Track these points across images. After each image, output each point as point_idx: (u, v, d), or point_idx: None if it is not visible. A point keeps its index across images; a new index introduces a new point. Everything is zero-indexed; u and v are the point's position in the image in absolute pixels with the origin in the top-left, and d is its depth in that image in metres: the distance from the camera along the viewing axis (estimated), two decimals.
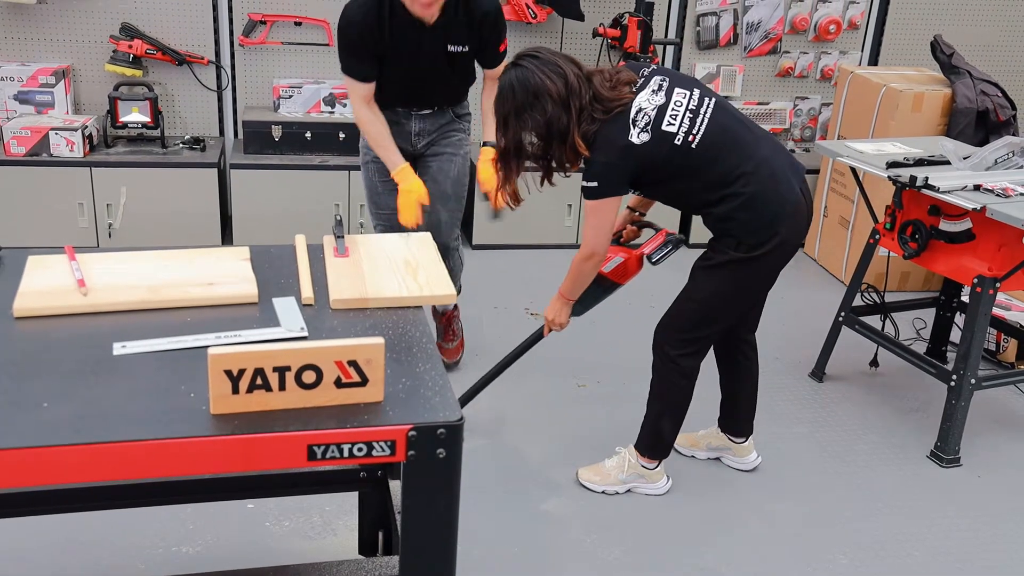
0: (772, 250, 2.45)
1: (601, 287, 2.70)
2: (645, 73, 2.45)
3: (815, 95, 5.12)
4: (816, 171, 4.77)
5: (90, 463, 1.32)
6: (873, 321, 3.51)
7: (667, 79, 2.43)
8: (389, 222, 3.13)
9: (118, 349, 1.56)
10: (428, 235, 2.10)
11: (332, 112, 4.48)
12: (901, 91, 4.14)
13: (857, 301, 3.51)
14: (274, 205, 4.23)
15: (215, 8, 4.36)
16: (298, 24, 4.43)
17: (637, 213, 2.80)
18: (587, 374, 3.50)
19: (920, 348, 3.69)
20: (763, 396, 2.99)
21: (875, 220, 3.34)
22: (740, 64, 4.95)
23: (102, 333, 1.61)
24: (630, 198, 2.77)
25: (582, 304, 2.72)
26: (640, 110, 2.36)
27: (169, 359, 1.55)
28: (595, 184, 2.40)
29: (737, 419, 2.90)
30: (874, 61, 5.12)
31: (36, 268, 1.81)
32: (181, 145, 4.37)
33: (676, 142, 2.37)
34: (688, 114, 2.39)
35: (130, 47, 4.26)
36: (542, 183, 2.56)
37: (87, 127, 4.17)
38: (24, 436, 1.32)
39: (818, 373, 3.58)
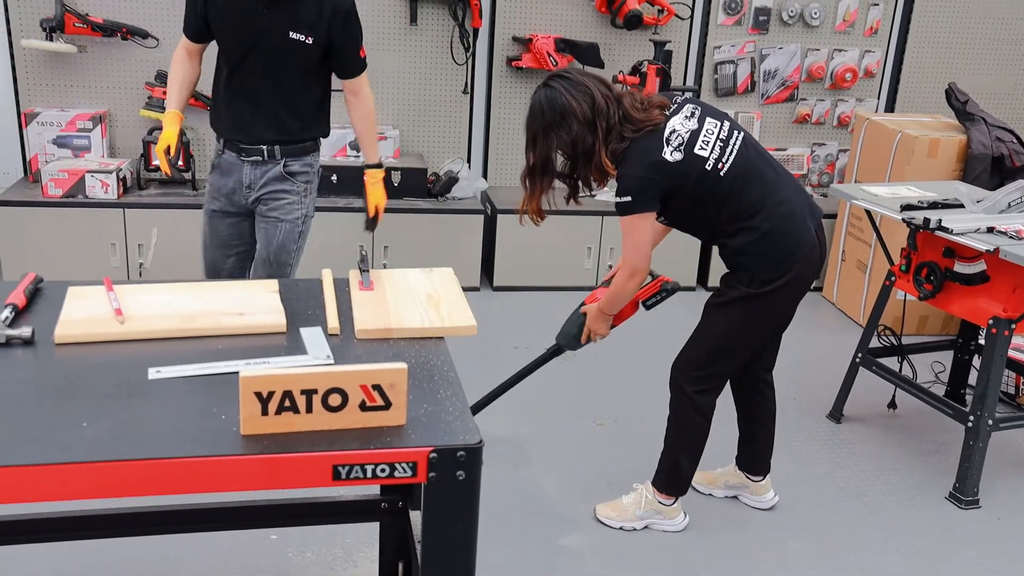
0: (784, 286, 2.50)
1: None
2: (678, 100, 2.52)
3: (832, 141, 5.19)
4: (833, 216, 4.83)
5: (126, 479, 1.38)
6: (891, 363, 3.53)
7: (699, 108, 2.50)
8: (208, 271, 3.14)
9: (153, 374, 1.64)
10: (450, 270, 2.17)
11: (357, 156, 4.60)
12: (917, 137, 4.20)
13: (875, 343, 3.55)
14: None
15: None
16: None
17: None
18: (606, 413, 3.54)
19: (938, 391, 3.70)
20: (781, 436, 3.01)
21: (891, 262, 3.38)
22: (758, 111, 5.04)
23: (138, 359, 1.69)
24: None
25: (575, 339, 2.79)
26: (674, 131, 2.42)
27: (201, 383, 1.62)
28: (628, 199, 2.43)
29: (755, 457, 2.92)
30: (890, 108, 5.20)
31: (76, 298, 1.89)
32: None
33: (707, 167, 2.42)
34: (719, 143, 2.45)
35: (164, 93, 4.39)
36: (568, 200, 2.62)
37: (121, 170, 4.30)
38: (66, 452, 1.39)
39: (836, 414, 3.60)
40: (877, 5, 4.98)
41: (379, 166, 3.10)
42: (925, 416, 3.62)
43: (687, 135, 2.42)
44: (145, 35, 4.34)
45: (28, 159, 4.40)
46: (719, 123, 2.48)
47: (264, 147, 2.90)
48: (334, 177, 4.48)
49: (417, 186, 4.57)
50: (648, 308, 2.73)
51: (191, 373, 1.65)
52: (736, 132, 2.50)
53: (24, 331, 1.73)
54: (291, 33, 2.73)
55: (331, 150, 4.58)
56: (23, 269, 2.46)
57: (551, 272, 4.66)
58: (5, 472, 1.34)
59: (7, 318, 1.78)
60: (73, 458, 1.37)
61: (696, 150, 2.42)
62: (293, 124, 2.90)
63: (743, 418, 2.90)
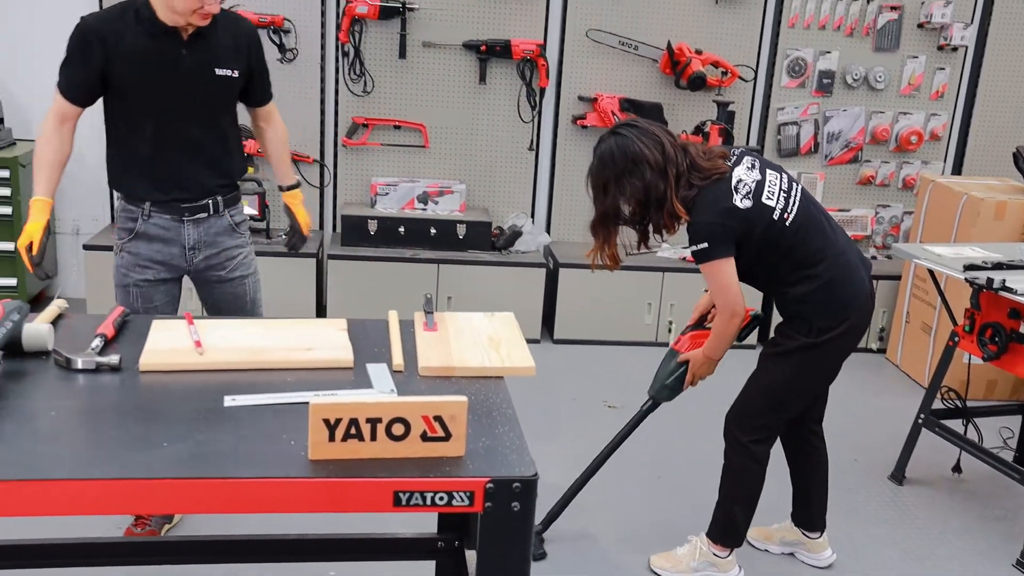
0: (840, 335, 2.52)
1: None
2: (736, 152, 2.58)
3: (897, 203, 5.17)
4: (897, 277, 4.80)
5: (201, 496, 1.47)
6: (956, 427, 3.48)
7: (757, 159, 2.56)
8: None
9: (228, 401, 1.73)
10: (511, 315, 2.25)
11: (425, 209, 4.74)
12: (983, 199, 4.18)
13: (938, 405, 3.50)
14: (367, 294, 4.46)
15: (323, 113, 4.72)
16: (397, 127, 4.74)
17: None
18: (663, 464, 3.55)
19: (1007, 456, 3.62)
20: (840, 496, 2.98)
21: (954, 323, 3.36)
22: (821, 171, 5.06)
23: (214, 387, 1.79)
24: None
25: (672, 390, 2.81)
26: (740, 180, 2.47)
27: (273, 411, 1.71)
28: (705, 245, 2.45)
29: (809, 512, 2.90)
30: (957, 171, 5.17)
31: (159, 330, 2.01)
32: (284, 236, 4.64)
33: (774, 217, 2.47)
34: (782, 193, 2.50)
35: (244, 146, 4.61)
36: (639, 247, 2.65)
37: None
38: (147, 469, 1.48)
39: (898, 476, 3.54)
40: (943, 69, 4.99)
41: (298, 185, 3.04)
42: (992, 481, 3.54)
43: (753, 185, 2.48)
44: None
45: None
46: (778, 175, 2.54)
47: (208, 200, 2.70)
48: (401, 229, 4.62)
49: (482, 239, 4.68)
50: (741, 341, 2.75)
51: (264, 402, 1.74)
52: (795, 184, 2.56)
53: (112, 359, 1.85)
54: (217, 70, 2.60)
55: (399, 203, 4.73)
56: (108, 307, 2.61)
57: (611, 326, 4.70)
58: (93, 484, 1.44)
59: (97, 346, 1.90)
60: (153, 474, 1.47)
61: (764, 199, 2.47)
62: (231, 167, 2.76)
63: (796, 472, 2.89)
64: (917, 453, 3.54)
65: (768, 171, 2.53)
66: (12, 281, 4.49)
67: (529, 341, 4.51)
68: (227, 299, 2.84)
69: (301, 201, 3.01)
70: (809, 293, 2.51)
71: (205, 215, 2.70)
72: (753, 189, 2.46)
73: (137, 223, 2.67)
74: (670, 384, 2.80)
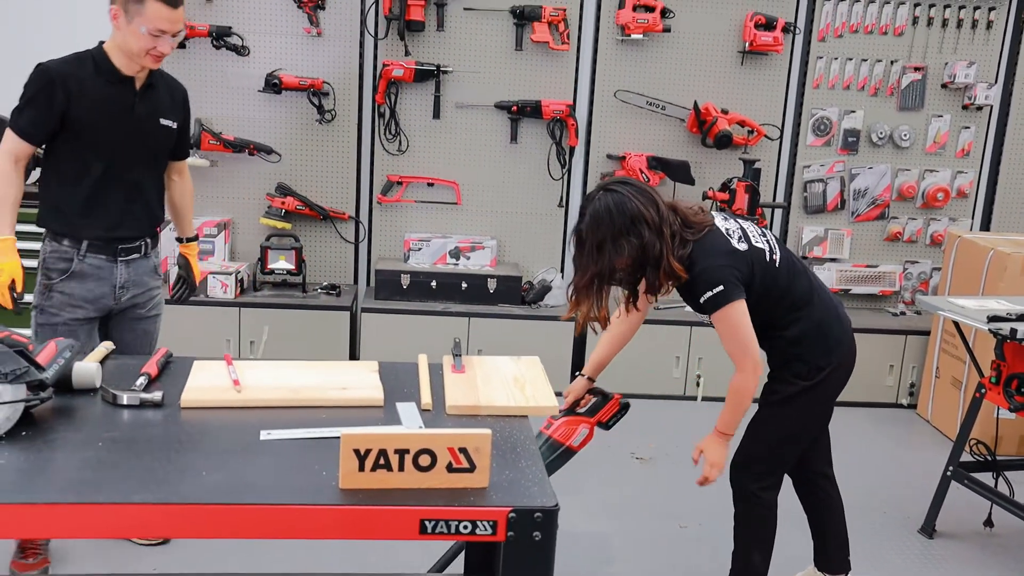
0: (834, 370, 2.60)
1: (565, 458, 2.68)
2: (704, 207, 2.62)
3: (925, 259, 5.20)
4: (927, 333, 4.80)
5: (238, 521, 1.55)
6: (987, 480, 3.46)
7: (727, 213, 2.64)
8: None
9: (264, 435, 1.82)
10: (536, 358, 2.33)
11: (456, 264, 4.85)
12: (1009, 254, 4.21)
13: (968, 459, 3.49)
14: (399, 346, 4.54)
15: (359, 171, 4.88)
16: (430, 185, 4.89)
17: (589, 379, 2.78)
18: (689, 516, 3.55)
19: None
20: (870, 549, 2.98)
21: (981, 375, 3.37)
22: (848, 228, 5.11)
23: (251, 423, 1.88)
24: (587, 364, 2.79)
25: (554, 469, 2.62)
26: (727, 228, 2.51)
27: (306, 445, 1.79)
28: (720, 288, 2.40)
29: (830, 555, 2.90)
30: (986, 227, 5.20)
31: (200, 370, 2.12)
32: (319, 290, 4.80)
33: (766, 259, 2.52)
34: (762, 237, 2.56)
35: (283, 203, 4.78)
36: (627, 308, 2.62)
37: (240, 272, 4.65)
38: (186, 496, 1.56)
39: (928, 529, 3.52)
40: (969, 128, 5.05)
41: (196, 239, 3.26)
42: None
43: (738, 230, 2.52)
44: (269, 151, 4.75)
45: (159, 261, 4.79)
46: (751, 222, 2.61)
47: (141, 242, 2.88)
48: (433, 283, 4.73)
49: (512, 293, 4.77)
50: (609, 428, 2.72)
51: (298, 436, 1.83)
52: (766, 230, 2.64)
53: (155, 395, 1.95)
54: (162, 120, 2.84)
55: (431, 258, 4.85)
56: None
57: (639, 379, 4.74)
58: (136, 509, 1.52)
59: (141, 384, 2.01)
60: (193, 500, 1.55)
61: (753, 242, 2.51)
62: (159, 212, 2.96)
63: (813, 517, 2.90)
64: (949, 507, 3.52)
65: (741, 220, 2.60)
66: None
67: (558, 394, 4.58)
68: (138, 336, 2.95)
69: (196, 253, 3.24)
70: (804, 334, 2.57)
71: (137, 256, 2.88)
72: (741, 234, 2.51)
73: (72, 263, 2.77)
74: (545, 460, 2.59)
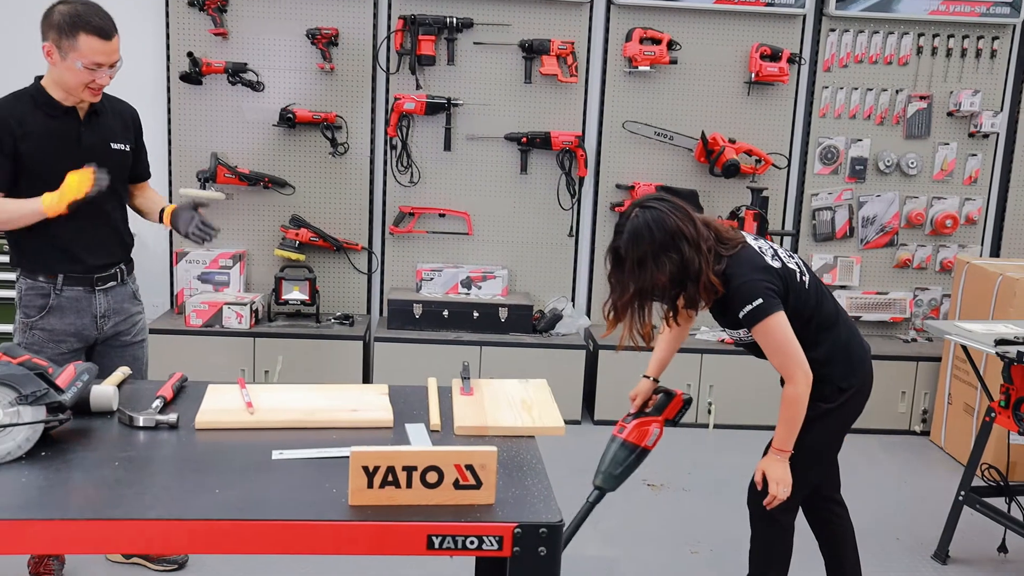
0: (855, 393, 2.61)
1: (640, 459, 2.71)
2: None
3: (935, 286, 5.21)
4: (938, 359, 4.80)
5: (250, 537, 1.59)
6: (999, 504, 3.45)
7: (753, 233, 2.66)
8: None
9: (276, 455, 1.86)
10: (544, 381, 2.36)
11: (468, 293, 4.90)
12: (1018, 279, 4.22)
13: (980, 484, 3.48)
14: (411, 375, 4.55)
15: (371, 202, 4.96)
16: (442, 216, 4.95)
17: (653, 380, 2.81)
18: (700, 541, 3.56)
19: None
20: (882, 575, 2.96)
21: (990, 398, 3.38)
22: (857, 255, 5.14)
23: (264, 443, 1.92)
24: (650, 365, 2.81)
25: (618, 479, 2.70)
26: (759, 247, 2.54)
27: (317, 464, 1.83)
28: (760, 301, 2.40)
29: None
30: (995, 253, 5.21)
31: (214, 393, 2.17)
32: (333, 320, 4.85)
33: (797, 279, 2.54)
34: (792, 259, 2.59)
35: (297, 235, 4.86)
36: (668, 323, 2.64)
37: (254, 303, 4.71)
38: (200, 512, 1.61)
39: (941, 555, 3.50)
40: (975, 156, 5.09)
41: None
42: None
43: (771, 249, 2.56)
44: (284, 184, 4.84)
45: (175, 293, 4.88)
46: (778, 244, 2.64)
47: (116, 269, 2.88)
48: (445, 312, 4.78)
49: (523, 322, 4.81)
50: (676, 424, 2.76)
51: (309, 456, 1.87)
52: (795, 253, 2.67)
53: (170, 417, 2.00)
54: (112, 144, 2.81)
55: (443, 288, 4.90)
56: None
57: None
58: (151, 525, 1.57)
59: (157, 407, 2.06)
60: (206, 516, 1.59)
61: (786, 262, 2.54)
62: (128, 237, 2.96)
63: (826, 544, 2.89)
64: (962, 533, 3.51)
65: (769, 242, 2.64)
66: None
67: (570, 422, 4.63)
68: (127, 363, 2.87)
69: (172, 210, 2.98)
70: (830, 355, 2.58)
71: (114, 283, 2.87)
72: (773, 253, 2.55)
73: (49, 298, 2.77)
74: (618, 474, 2.69)
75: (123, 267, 2.92)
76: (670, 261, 2.40)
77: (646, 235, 2.40)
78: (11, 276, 4.20)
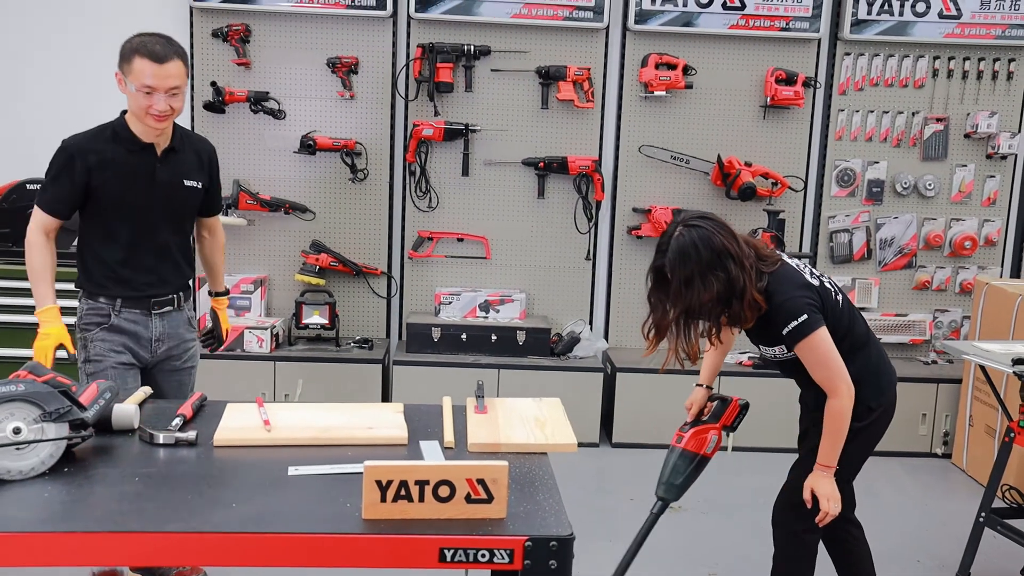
0: (882, 414, 2.63)
1: (700, 468, 2.71)
2: None
3: (955, 308, 5.18)
4: (959, 380, 4.77)
5: (265, 550, 1.62)
6: (1022, 526, 3.42)
7: (786, 253, 2.69)
8: None
9: (292, 471, 1.90)
10: (557, 399, 2.38)
11: (486, 317, 4.94)
12: None
13: (1001, 505, 3.45)
14: (430, 398, 4.59)
15: (390, 227, 5.02)
16: (460, 240, 5.01)
17: (707, 388, 2.83)
18: (718, 563, 3.54)
19: None
20: None
21: (1009, 419, 3.36)
22: (875, 277, 5.13)
23: (280, 459, 1.96)
24: (702, 374, 2.82)
25: (680, 489, 2.71)
26: (796, 264, 2.55)
27: (332, 480, 1.86)
28: (804, 317, 2.42)
29: None
30: (1016, 274, 5.19)
31: (233, 411, 2.21)
32: (352, 344, 4.90)
33: (832, 297, 2.56)
34: (825, 278, 2.61)
35: (317, 260, 4.92)
36: (711, 341, 2.61)
37: (275, 327, 4.77)
38: (217, 525, 1.64)
39: None
40: (994, 177, 5.08)
41: (226, 293, 3.32)
42: None
43: (808, 267, 2.58)
44: (304, 209, 4.91)
45: (198, 317, 4.94)
46: (809, 266, 2.67)
47: (174, 295, 2.96)
48: (463, 336, 4.81)
49: (541, 345, 4.84)
50: (734, 430, 2.75)
51: (324, 471, 1.90)
52: (826, 273, 2.68)
53: (190, 435, 2.04)
54: (185, 181, 2.89)
55: (462, 311, 4.94)
56: None
57: (669, 430, 4.66)
58: (170, 537, 1.60)
59: (177, 425, 2.10)
60: (223, 529, 1.63)
61: (823, 281, 2.57)
62: (187, 269, 3.05)
63: (842, 565, 2.87)
64: (985, 555, 3.47)
65: (798, 261, 2.65)
66: None
67: (588, 445, 4.64)
68: (172, 387, 3.00)
69: (226, 307, 3.29)
70: (863, 374, 2.58)
71: (170, 308, 2.94)
72: (811, 271, 2.57)
73: (109, 318, 2.85)
74: (680, 483, 2.70)
75: (180, 294, 2.99)
76: (717, 280, 2.39)
77: (693, 254, 2.39)
78: (13, 301, 4.50)
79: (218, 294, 3.29)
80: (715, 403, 2.78)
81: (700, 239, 2.39)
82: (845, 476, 2.72)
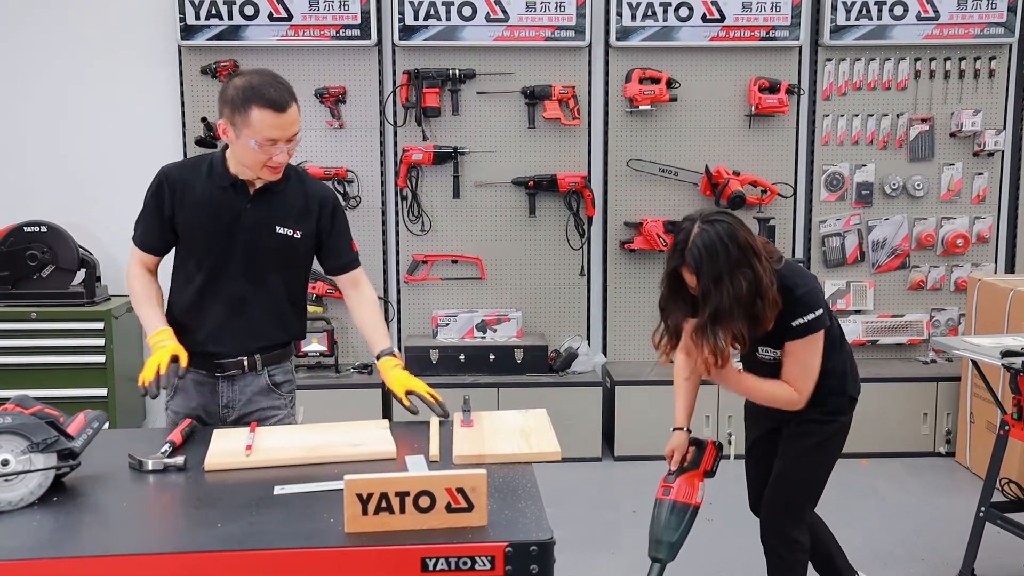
0: (855, 402, 2.70)
1: (693, 519, 2.67)
2: None
3: (952, 306, 5.19)
4: (958, 378, 4.77)
5: (249, 567, 1.65)
6: (1022, 519, 3.41)
7: None
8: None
9: (277, 490, 1.92)
10: (543, 411, 2.41)
11: (484, 336, 4.97)
12: None
13: (1001, 499, 3.45)
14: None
15: (385, 252, 5.06)
16: (454, 262, 5.05)
17: (687, 431, 2.75)
18: (721, 571, 3.54)
19: None
20: None
21: (1003, 412, 3.36)
22: (870, 280, 5.15)
23: (267, 480, 1.99)
24: (679, 415, 2.77)
25: (676, 547, 2.63)
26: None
27: (316, 497, 1.89)
28: (821, 311, 2.38)
29: (840, 570, 2.94)
30: (1010, 269, 5.19)
31: (221, 437, 2.24)
32: (352, 370, 4.93)
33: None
34: None
35: (314, 288, 4.96)
36: (745, 347, 2.46)
37: None
38: (202, 545, 1.67)
39: (966, 574, 3.46)
40: (982, 174, 5.11)
41: (391, 352, 2.61)
42: None
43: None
44: None
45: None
46: None
47: (244, 358, 2.54)
48: (462, 356, 4.84)
49: (539, 362, 4.86)
50: (713, 475, 2.74)
51: (309, 489, 1.93)
52: None
53: (178, 460, 2.08)
54: (278, 228, 2.48)
55: (459, 332, 4.97)
56: None
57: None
58: (156, 559, 1.63)
59: (166, 451, 2.13)
60: (208, 549, 1.65)
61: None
62: (275, 329, 2.58)
63: (814, 548, 2.85)
64: (990, 552, 3.46)
65: None
66: (102, 391, 4.42)
67: (591, 459, 4.64)
68: None
69: (395, 367, 2.56)
70: (845, 365, 2.63)
71: (239, 372, 2.55)
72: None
73: (176, 378, 2.41)
74: (675, 540, 2.60)
75: (256, 358, 2.55)
76: (744, 278, 2.26)
77: (721, 251, 2.25)
78: (12, 343, 4.42)
79: (379, 356, 2.61)
80: (692, 449, 2.72)
81: (726, 235, 2.25)
82: (809, 496, 2.73)
